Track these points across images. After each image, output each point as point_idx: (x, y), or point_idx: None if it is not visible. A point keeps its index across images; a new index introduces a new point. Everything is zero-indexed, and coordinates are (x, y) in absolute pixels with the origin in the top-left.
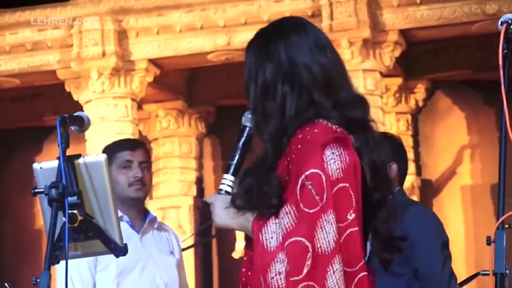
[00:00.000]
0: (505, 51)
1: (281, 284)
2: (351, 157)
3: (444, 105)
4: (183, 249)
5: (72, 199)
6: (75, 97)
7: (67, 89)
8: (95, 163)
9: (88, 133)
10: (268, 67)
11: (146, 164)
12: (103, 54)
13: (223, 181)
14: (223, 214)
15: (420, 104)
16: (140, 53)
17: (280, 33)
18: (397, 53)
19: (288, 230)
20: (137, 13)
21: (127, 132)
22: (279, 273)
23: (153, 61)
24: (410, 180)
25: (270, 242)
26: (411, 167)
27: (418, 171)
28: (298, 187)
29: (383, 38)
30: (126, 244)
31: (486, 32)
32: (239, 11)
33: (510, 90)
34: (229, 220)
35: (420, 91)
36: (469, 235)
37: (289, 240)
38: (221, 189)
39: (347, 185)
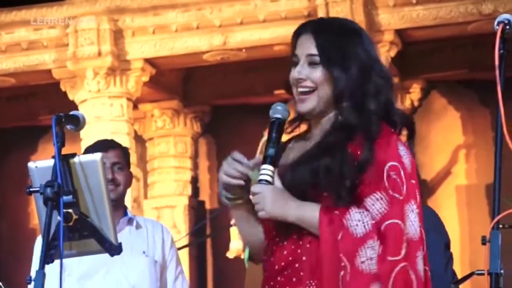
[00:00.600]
0: (501, 51)
1: (372, 268)
2: (411, 156)
3: (440, 105)
4: (178, 249)
5: (67, 198)
6: (71, 97)
7: (63, 88)
8: (90, 162)
9: (83, 133)
10: (360, 53)
11: (121, 165)
12: (99, 54)
13: (262, 171)
14: (275, 204)
15: (416, 104)
16: (136, 53)
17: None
18: (392, 53)
19: (383, 214)
20: (133, 12)
21: (123, 131)
22: (371, 258)
23: (149, 61)
24: None
25: (355, 229)
26: None
27: None
28: (385, 176)
29: (379, 38)
30: (121, 243)
31: (482, 32)
32: (235, 11)
33: (506, 90)
34: (282, 210)
35: (415, 91)
36: (464, 235)
37: (386, 223)
38: (261, 180)
39: (414, 182)
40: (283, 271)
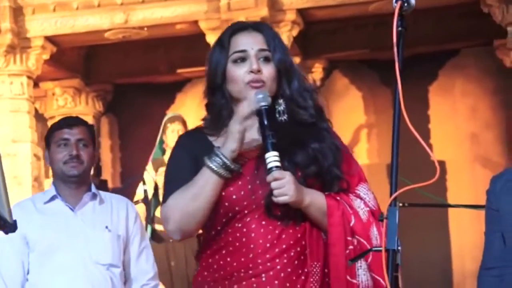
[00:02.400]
0: (399, 28)
1: (378, 242)
2: None
3: (342, 85)
4: None
5: None
6: None
7: None
8: None
9: None
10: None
11: (86, 142)
12: None
13: (270, 159)
14: (297, 189)
15: (318, 83)
16: (36, 30)
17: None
18: (294, 32)
19: (375, 202)
20: None
21: (23, 110)
22: (377, 238)
23: (49, 39)
24: None
25: (362, 215)
26: None
27: None
28: (354, 163)
29: (281, 17)
30: (15, 221)
31: (383, 13)
32: None
33: (405, 69)
34: (301, 195)
35: (317, 71)
36: None
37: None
38: (271, 167)
39: None
40: (282, 253)
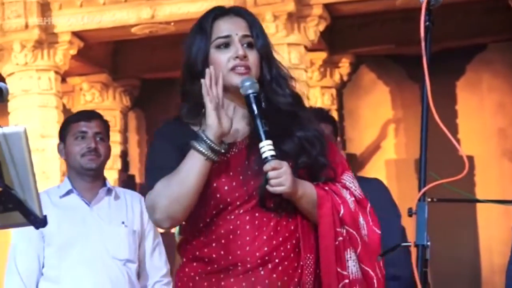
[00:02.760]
0: (427, 23)
1: (366, 232)
2: None
3: (369, 80)
4: None
5: None
6: None
7: None
8: (14, 134)
9: (11, 106)
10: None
11: (102, 135)
12: (26, 26)
13: (264, 148)
14: (293, 180)
15: (345, 78)
16: (63, 26)
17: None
18: (321, 27)
19: (360, 190)
20: None
21: (51, 105)
22: (364, 227)
23: (76, 34)
24: None
25: (350, 205)
26: None
27: (343, 145)
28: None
29: (308, 12)
30: (45, 216)
31: (410, 7)
32: None
33: (432, 64)
34: (296, 185)
35: (344, 66)
36: None
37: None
38: (267, 156)
39: None
40: (279, 246)
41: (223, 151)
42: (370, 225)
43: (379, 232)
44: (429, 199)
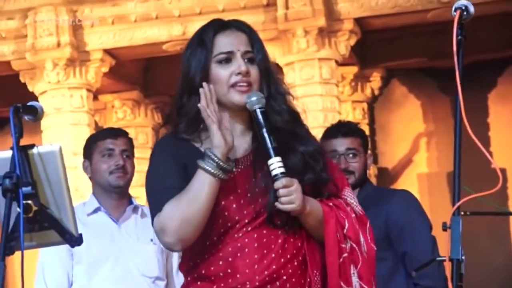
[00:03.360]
0: (459, 37)
1: (365, 249)
2: None
3: (400, 93)
4: None
5: (26, 189)
6: (30, 88)
7: (22, 80)
8: (49, 153)
9: (43, 124)
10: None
11: (129, 153)
12: (58, 45)
13: (274, 165)
14: (302, 197)
15: (376, 92)
16: (95, 44)
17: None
18: (352, 41)
19: (360, 207)
20: (91, 3)
21: (83, 122)
22: (363, 245)
23: (108, 52)
24: None
25: (353, 220)
26: None
27: (375, 160)
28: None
29: (338, 26)
30: (81, 234)
31: (441, 20)
32: (194, 1)
33: (465, 77)
34: (304, 202)
35: (375, 80)
36: None
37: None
38: (277, 174)
39: None
40: (287, 263)
41: (233, 169)
42: (368, 242)
43: (375, 248)
44: (463, 213)
